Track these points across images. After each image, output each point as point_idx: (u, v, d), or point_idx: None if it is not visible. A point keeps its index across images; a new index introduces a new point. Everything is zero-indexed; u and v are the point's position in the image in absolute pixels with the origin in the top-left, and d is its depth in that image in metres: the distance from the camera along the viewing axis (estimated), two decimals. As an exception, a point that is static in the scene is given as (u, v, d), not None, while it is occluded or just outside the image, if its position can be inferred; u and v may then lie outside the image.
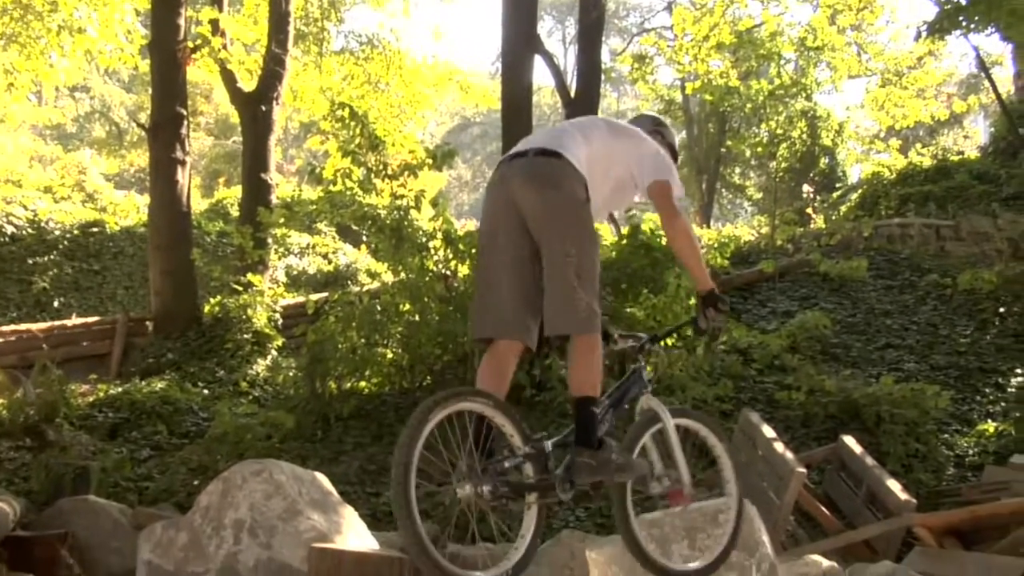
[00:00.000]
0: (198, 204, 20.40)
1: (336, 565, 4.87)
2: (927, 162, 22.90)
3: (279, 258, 16.54)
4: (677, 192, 4.21)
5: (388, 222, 11.83)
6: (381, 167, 13.09)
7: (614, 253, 12.36)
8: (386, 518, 8.42)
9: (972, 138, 34.90)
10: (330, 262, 18.48)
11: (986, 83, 27.09)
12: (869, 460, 9.50)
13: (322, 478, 6.26)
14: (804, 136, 25.48)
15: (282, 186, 20.29)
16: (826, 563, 6.78)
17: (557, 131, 4.30)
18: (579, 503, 7.91)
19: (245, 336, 13.85)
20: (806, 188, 26.88)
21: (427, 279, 11.65)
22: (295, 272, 17.73)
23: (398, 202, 12.30)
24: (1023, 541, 7.47)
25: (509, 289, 3.97)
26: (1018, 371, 12.78)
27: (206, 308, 14.41)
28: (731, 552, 4.58)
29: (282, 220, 14.65)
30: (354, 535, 5.91)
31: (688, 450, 4.36)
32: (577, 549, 6.04)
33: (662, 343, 4.53)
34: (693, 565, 4.36)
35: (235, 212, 18.56)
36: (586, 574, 5.55)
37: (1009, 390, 12.38)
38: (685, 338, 11.06)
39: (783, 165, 25.17)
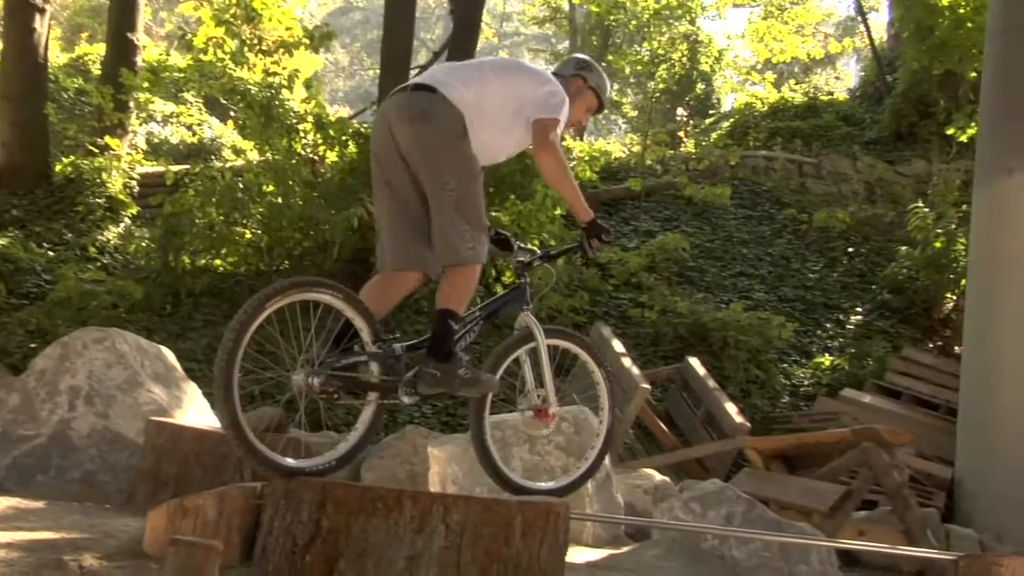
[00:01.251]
0: (57, 57, 19.30)
1: (173, 439, 4.79)
2: (798, 99, 23.34)
3: (140, 124, 15.83)
4: (558, 132, 4.19)
5: (258, 99, 11.50)
6: (256, 41, 12.66)
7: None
8: (230, 398, 8.32)
9: (843, 80, 35.63)
10: (194, 134, 17.75)
11: (861, 27, 27.69)
12: (711, 382, 9.86)
13: (167, 352, 6.14)
14: (684, 59, 25.62)
15: (149, 49, 19.33)
16: (659, 477, 7.03)
17: (442, 68, 4.31)
18: (425, 401, 7.98)
19: (98, 200, 13.30)
20: (680, 111, 27.12)
21: (294, 162, 11.40)
22: (156, 140, 16.99)
23: (270, 79, 11.95)
24: (842, 469, 7.91)
25: (403, 224, 4.03)
26: (859, 309, 13.35)
27: (58, 167, 13.75)
28: (590, 478, 4.67)
29: (146, 84, 14.05)
30: (196, 412, 5.84)
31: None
32: (420, 445, 6.10)
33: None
34: (548, 484, 4.42)
35: (97, 71, 17.62)
36: (427, 469, 5.62)
37: (848, 327, 12.95)
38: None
39: (660, 86, 25.31)
